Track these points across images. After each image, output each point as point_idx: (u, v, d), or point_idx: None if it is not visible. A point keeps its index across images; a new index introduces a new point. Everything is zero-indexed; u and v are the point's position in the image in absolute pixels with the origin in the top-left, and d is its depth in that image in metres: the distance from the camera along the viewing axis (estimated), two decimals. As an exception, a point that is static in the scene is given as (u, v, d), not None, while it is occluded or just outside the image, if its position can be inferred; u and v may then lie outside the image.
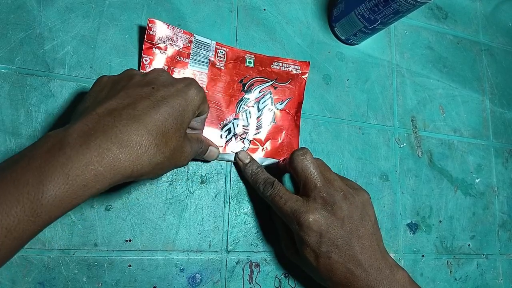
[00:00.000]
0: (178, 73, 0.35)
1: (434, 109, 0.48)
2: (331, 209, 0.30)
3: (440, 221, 0.45)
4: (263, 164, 0.37)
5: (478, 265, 0.45)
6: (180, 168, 0.34)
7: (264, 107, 0.38)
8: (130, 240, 0.32)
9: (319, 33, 0.43)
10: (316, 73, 0.42)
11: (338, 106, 0.42)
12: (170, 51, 0.35)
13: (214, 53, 0.37)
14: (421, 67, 0.48)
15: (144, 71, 0.32)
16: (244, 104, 0.37)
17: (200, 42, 0.36)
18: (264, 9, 0.41)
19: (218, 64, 0.37)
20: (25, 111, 0.31)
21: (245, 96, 0.37)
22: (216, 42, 0.37)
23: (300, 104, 0.39)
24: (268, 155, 0.38)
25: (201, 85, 0.35)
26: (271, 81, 0.38)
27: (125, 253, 0.32)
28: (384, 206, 0.42)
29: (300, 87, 0.40)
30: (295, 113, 0.39)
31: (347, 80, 0.43)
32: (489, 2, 0.56)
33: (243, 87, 0.38)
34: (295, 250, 0.33)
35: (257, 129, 0.37)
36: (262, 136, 0.38)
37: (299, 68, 0.40)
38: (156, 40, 0.34)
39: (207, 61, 0.36)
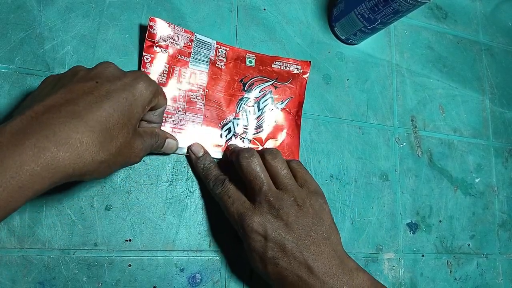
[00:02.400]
0: (178, 72, 0.35)
1: (434, 109, 0.48)
2: (276, 213, 0.29)
3: (440, 221, 0.45)
4: None
5: (478, 265, 0.45)
6: (179, 168, 0.34)
7: (264, 107, 0.38)
8: (130, 240, 0.32)
9: (319, 33, 0.43)
10: (316, 73, 0.42)
11: (338, 105, 0.42)
12: (171, 49, 0.34)
13: (214, 53, 0.36)
14: (421, 66, 0.48)
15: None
16: (244, 104, 0.37)
17: (201, 41, 0.36)
18: (264, 9, 0.41)
19: (219, 63, 0.37)
20: (25, 111, 0.31)
21: (246, 95, 0.37)
22: (217, 42, 0.37)
23: (301, 103, 0.39)
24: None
25: (201, 84, 0.35)
26: (272, 80, 0.38)
27: (125, 253, 0.32)
28: (384, 206, 0.42)
29: (301, 86, 0.40)
30: (295, 112, 0.39)
31: (347, 79, 0.43)
32: (489, 2, 0.56)
33: (244, 87, 0.37)
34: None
35: (257, 128, 0.37)
36: (262, 135, 0.38)
37: (300, 68, 0.40)
38: (157, 39, 0.34)
39: (208, 60, 0.36)
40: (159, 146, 0.31)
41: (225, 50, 0.37)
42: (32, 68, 0.32)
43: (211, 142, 0.35)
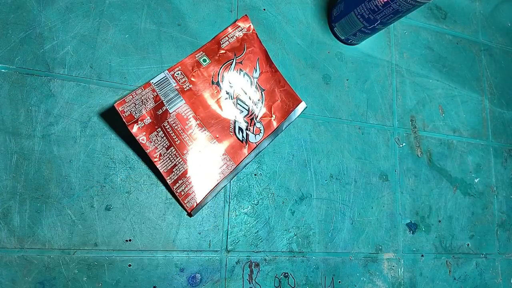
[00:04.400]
0: (169, 125, 0.34)
1: (433, 109, 0.48)
2: None
3: (439, 221, 0.45)
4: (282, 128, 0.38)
5: (477, 265, 0.46)
6: (180, 168, 0.34)
7: (246, 86, 0.38)
8: (130, 240, 0.32)
9: (318, 33, 0.43)
10: (316, 73, 0.42)
11: (338, 106, 0.42)
12: (148, 114, 0.33)
13: (174, 80, 0.35)
14: (420, 67, 0.48)
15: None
16: (231, 98, 0.37)
17: (158, 82, 0.34)
18: (264, 9, 0.41)
19: (185, 86, 0.35)
20: (25, 110, 0.31)
21: (224, 90, 0.37)
22: (167, 69, 0.35)
23: (267, 55, 0.40)
24: (281, 119, 0.39)
25: (190, 117, 0.35)
26: (232, 60, 0.38)
27: (125, 253, 0.32)
28: (383, 206, 0.42)
29: (255, 40, 0.39)
30: (269, 67, 0.39)
31: (347, 80, 0.43)
32: (489, 3, 0.56)
33: (218, 85, 0.37)
34: None
35: (256, 106, 0.38)
36: (265, 109, 0.39)
37: (242, 28, 0.39)
38: (134, 115, 0.32)
39: (176, 92, 0.35)
40: None
41: (179, 69, 0.36)
42: (32, 68, 0.32)
43: (237, 150, 0.36)
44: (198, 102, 0.36)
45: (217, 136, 0.36)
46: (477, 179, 0.48)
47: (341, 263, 0.39)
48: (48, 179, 0.30)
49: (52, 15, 0.33)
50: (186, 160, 0.34)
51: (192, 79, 0.36)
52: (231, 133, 0.36)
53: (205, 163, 0.35)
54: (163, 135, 0.33)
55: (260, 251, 0.36)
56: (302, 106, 0.40)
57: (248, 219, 0.36)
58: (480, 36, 0.54)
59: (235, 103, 0.37)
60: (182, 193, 0.33)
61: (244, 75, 0.38)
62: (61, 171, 0.31)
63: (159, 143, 0.33)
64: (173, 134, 0.34)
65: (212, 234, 0.35)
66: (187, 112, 0.35)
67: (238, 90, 0.38)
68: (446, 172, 0.47)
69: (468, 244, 0.46)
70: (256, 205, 0.37)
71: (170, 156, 0.33)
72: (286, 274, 0.36)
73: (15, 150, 0.30)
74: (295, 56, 0.41)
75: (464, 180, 0.48)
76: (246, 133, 0.37)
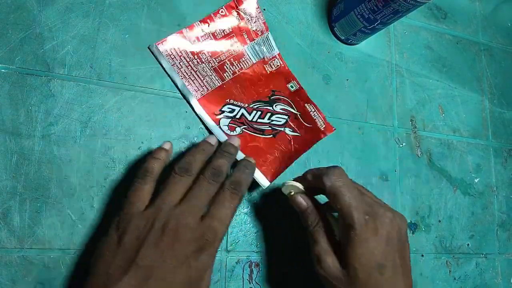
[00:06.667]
0: (231, 42, 0.38)
1: (433, 109, 0.48)
2: (391, 216, 0.29)
3: (439, 221, 0.45)
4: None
5: (477, 265, 0.46)
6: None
7: (274, 121, 0.38)
8: (130, 240, 0.32)
9: (319, 33, 0.43)
10: (316, 73, 0.42)
11: (338, 106, 0.42)
12: (243, 23, 0.38)
13: (270, 58, 0.39)
14: (420, 67, 0.48)
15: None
16: (260, 106, 0.38)
17: (267, 40, 0.39)
18: (264, 9, 0.41)
19: (266, 67, 0.39)
20: (25, 111, 0.31)
21: (266, 102, 0.38)
22: (278, 53, 0.40)
23: (299, 151, 0.38)
24: (245, 150, 0.36)
25: (240, 65, 0.38)
26: (296, 111, 0.39)
27: (125, 253, 0.32)
28: (383, 206, 0.42)
29: (311, 141, 0.39)
30: (294, 148, 0.38)
31: (347, 80, 0.43)
32: (489, 3, 0.56)
33: (271, 95, 0.39)
34: (333, 260, 0.29)
35: (254, 130, 0.37)
36: (251, 138, 0.37)
37: (323, 126, 0.39)
38: (240, 7, 0.37)
39: (260, 57, 0.39)
40: None
41: (279, 63, 0.40)
42: (32, 68, 0.32)
43: (211, 110, 0.36)
44: (253, 76, 0.39)
45: (224, 86, 0.37)
46: (477, 179, 0.48)
47: (341, 263, 0.39)
48: (48, 179, 0.30)
49: (52, 15, 0.33)
50: None
51: (272, 75, 0.40)
52: (226, 101, 0.37)
53: (202, 74, 0.37)
54: (225, 33, 0.38)
55: (260, 251, 0.36)
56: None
57: (248, 219, 0.36)
58: (480, 36, 0.54)
59: (257, 110, 0.38)
60: None
61: (285, 119, 0.39)
62: (61, 171, 0.31)
63: (218, 28, 0.38)
64: (225, 42, 0.38)
65: (212, 234, 0.35)
66: (245, 61, 0.39)
67: (270, 113, 0.38)
68: (446, 172, 0.47)
69: (468, 244, 0.46)
70: (257, 205, 0.37)
71: None
72: (286, 274, 0.36)
73: (15, 150, 0.30)
74: (295, 56, 0.41)
75: (464, 180, 0.48)
76: (230, 118, 0.36)
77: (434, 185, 0.45)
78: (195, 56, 0.36)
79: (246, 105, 0.38)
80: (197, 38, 0.36)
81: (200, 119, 0.36)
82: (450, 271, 0.44)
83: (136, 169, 0.33)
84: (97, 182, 0.32)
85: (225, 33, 0.37)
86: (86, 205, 0.31)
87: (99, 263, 0.26)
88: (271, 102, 0.39)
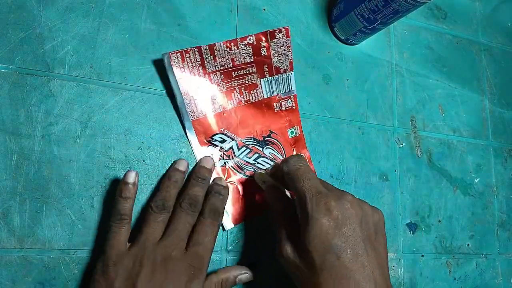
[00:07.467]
0: (248, 72, 0.36)
1: (433, 109, 0.48)
2: (352, 199, 0.28)
3: (440, 221, 0.45)
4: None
5: (477, 265, 0.46)
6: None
7: (258, 164, 0.37)
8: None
9: (319, 33, 0.43)
10: (316, 73, 0.42)
11: (338, 106, 0.42)
12: (268, 57, 0.36)
13: (283, 97, 0.38)
14: (420, 67, 0.48)
15: None
16: (252, 144, 0.37)
17: (287, 79, 0.37)
18: (264, 9, 0.41)
19: (275, 106, 0.38)
20: (25, 111, 0.31)
21: (259, 142, 0.37)
22: (294, 94, 0.38)
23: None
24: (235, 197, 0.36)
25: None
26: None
27: (125, 253, 0.32)
28: (383, 206, 0.42)
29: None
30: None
31: (347, 80, 0.43)
32: (489, 2, 0.56)
33: (266, 136, 0.38)
34: (292, 245, 0.29)
35: (236, 167, 0.36)
36: (234, 176, 0.36)
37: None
38: (272, 41, 0.35)
39: (275, 93, 0.38)
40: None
41: (291, 104, 0.38)
42: (32, 68, 0.32)
43: (202, 134, 0.35)
44: (257, 109, 0.37)
45: (225, 111, 0.36)
46: (477, 179, 0.48)
47: (341, 263, 0.39)
48: (48, 179, 0.30)
49: (52, 15, 0.33)
50: None
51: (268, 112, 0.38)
52: (221, 130, 0.36)
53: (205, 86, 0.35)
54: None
55: (260, 252, 0.36)
56: None
57: (248, 219, 0.36)
58: (480, 36, 0.54)
59: (247, 149, 0.37)
60: None
61: (269, 165, 0.38)
62: (61, 171, 0.31)
63: None
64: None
65: (212, 234, 0.35)
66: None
67: (257, 158, 0.37)
68: (446, 172, 0.47)
69: (468, 244, 0.46)
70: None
71: None
72: (286, 275, 0.36)
73: (15, 150, 0.30)
74: (295, 56, 0.41)
75: (464, 180, 0.48)
76: (217, 146, 0.36)
77: (434, 185, 0.45)
78: (206, 76, 0.34)
79: (239, 139, 0.36)
80: (215, 58, 0.34)
81: (188, 139, 0.35)
82: (450, 271, 0.44)
83: (135, 169, 0.33)
84: (97, 182, 0.32)
85: (245, 62, 0.35)
86: (86, 205, 0.31)
87: None
88: (263, 143, 0.37)
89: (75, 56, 0.33)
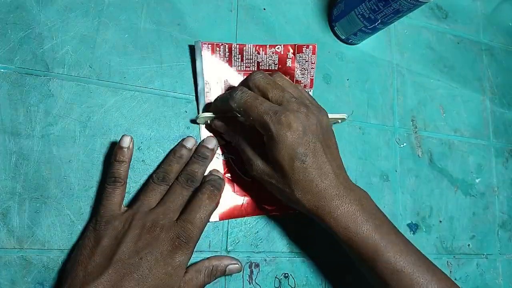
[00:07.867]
0: None
1: (434, 109, 0.48)
2: (305, 110, 0.30)
3: (440, 221, 0.45)
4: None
5: (478, 265, 0.45)
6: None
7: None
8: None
9: (319, 32, 0.43)
10: (316, 73, 0.42)
11: (338, 105, 0.42)
12: (292, 68, 0.37)
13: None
14: (421, 67, 0.48)
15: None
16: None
17: None
18: (264, 9, 0.41)
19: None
20: (25, 110, 0.31)
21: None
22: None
23: (268, 211, 0.37)
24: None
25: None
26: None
27: (125, 253, 0.32)
28: (384, 206, 0.42)
29: (286, 208, 0.37)
30: (261, 207, 0.37)
31: (347, 79, 0.43)
32: (490, 2, 0.55)
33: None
34: (261, 159, 0.31)
35: (239, 165, 0.36)
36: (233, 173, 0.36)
37: None
38: (298, 55, 0.36)
39: None
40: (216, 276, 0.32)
41: None
42: (31, 68, 0.32)
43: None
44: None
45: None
46: (478, 180, 0.48)
47: (342, 264, 0.38)
48: (47, 179, 0.30)
49: (52, 14, 0.33)
50: None
51: None
52: (223, 153, 0.36)
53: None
54: None
55: (260, 252, 0.36)
56: None
57: (248, 219, 0.36)
58: (482, 36, 0.54)
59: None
60: None
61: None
62: (61, 171, 0.31)
63: None
64: None
65: (212, 235, 0.35)
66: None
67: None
68: (447, 172, 0.46)
69: (469, 245, 0.46)
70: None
71: None
72: (286, 275, 0.36)
73: (14, 150, 0.30)
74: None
75: (465, 180, 0.47)
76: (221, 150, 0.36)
77: (435, 185, 0.45)
78: (230, 72, 0.36)
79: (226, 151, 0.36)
80: (242, 58, 0.36)
81: (197, 121, 0.35)
82: (451, 271, 0.44)
83: (135, 169, 0.33)
84: (97, 182, 0.32)
85: (270, 68, 0.37)
86: (85, 205, 0.31)
87: (77, 263, 0.27)
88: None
89: (75, 56, 0.33)
